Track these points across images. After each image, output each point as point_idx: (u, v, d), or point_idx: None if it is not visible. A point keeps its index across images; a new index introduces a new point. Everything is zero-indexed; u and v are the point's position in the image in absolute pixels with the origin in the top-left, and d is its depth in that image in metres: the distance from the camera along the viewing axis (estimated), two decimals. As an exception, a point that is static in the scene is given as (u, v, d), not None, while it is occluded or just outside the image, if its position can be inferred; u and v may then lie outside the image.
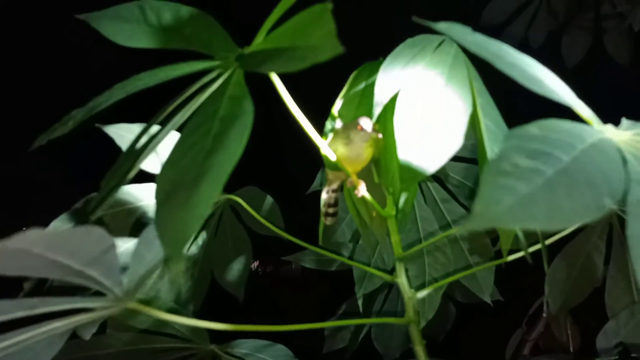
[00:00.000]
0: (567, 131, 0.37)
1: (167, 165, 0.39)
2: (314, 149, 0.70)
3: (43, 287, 0.57)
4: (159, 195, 0.36)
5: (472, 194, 0.91)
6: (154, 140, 0.49)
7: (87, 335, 0.49)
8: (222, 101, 0.43)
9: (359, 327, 1.10)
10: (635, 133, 0.45)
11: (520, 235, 0.56)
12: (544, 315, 1.53)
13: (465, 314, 1.27)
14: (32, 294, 0.50)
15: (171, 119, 0.50)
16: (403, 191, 0.56)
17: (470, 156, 0.90)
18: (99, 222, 0.70)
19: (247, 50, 0.50)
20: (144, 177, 0.73)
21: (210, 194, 0.33)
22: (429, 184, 0.90)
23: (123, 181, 0.45)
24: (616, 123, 0.46)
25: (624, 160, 0.39)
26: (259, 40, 0.49)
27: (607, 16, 1.96)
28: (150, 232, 0.43)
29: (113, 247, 0.36)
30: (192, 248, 0.82)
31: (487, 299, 0.93)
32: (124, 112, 0.73)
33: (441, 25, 0.38)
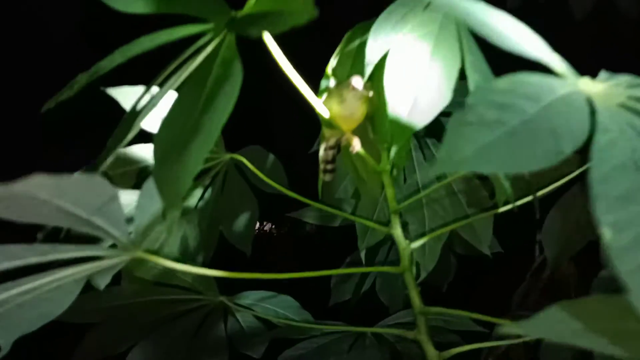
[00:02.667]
0: (536, 84, 0.39)
1: (162, 127, 0.42)
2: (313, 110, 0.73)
3: (55, 239, 0.61)
4: (156, 154, 0.39)
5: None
6: (152, 100, 0.52)
7: (102, 284, 0.53)
8: (215, 65, 0.45)
9: (362, 279, 1.14)
10: (609, 85, 0.47)
11: (506, 184, 0.59)
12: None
13: (469, 266, 1.30)
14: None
15: (168, 80, 0.53)
16: (394, 145, 0.58)
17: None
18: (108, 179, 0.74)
19: (239, 13, 0.52)
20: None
21: (201, 152, 0.36)
22: (428, 140, 0.92)
23: (126, 136, 0.48)
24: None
25: (593, 111, 0.41)
26: (251, 3, 0.51)
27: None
28: (150, 185, 0.46)
29: (116, 197, 0.39)
30: (200, 204, 0.86)
31: (486, 251, 0.96)
32: (125, 79, 0.76)
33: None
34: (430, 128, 0.93)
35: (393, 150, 0.59)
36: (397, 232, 0.67)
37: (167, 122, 0.42)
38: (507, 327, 0.30)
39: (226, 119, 0.38)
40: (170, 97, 0.55)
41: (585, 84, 0.45)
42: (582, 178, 0.87)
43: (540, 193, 0.81)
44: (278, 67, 0.61)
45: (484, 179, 0.94)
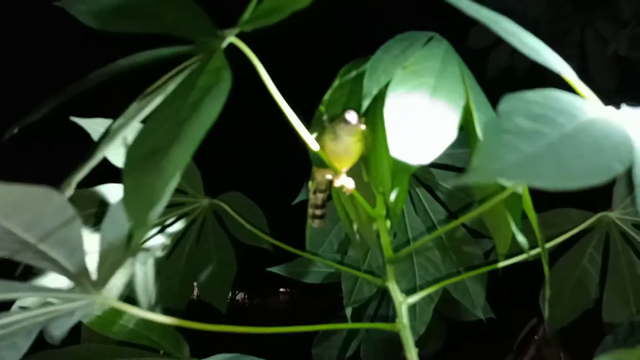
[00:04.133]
0: (568, 102, 0.35)
1: (139, 137, 0.36)
2: (300, 157, 0.68)
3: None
4: (127, 165, 0.33)
5: (462, 202, 0.88)
6: (122, 124, 0.46)
7: (57, 333, 0.45)
8: (202, 75, 0.40)
9: (347, 344, 1.06)
10: (636, 115, 0.43)
11: (518, 233, 0.54)
12: (535, 338, 1.50)
13: (455, 335, 1.23)
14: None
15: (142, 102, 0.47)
16: (395, 186, 0.53)
17: (461, 165, 0.88)
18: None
19: (234, 31, 0.48)
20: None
21: (181, 158, 0.30)
22: (419, 192, 0.87)
23: (87, 164, 0.42)
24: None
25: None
26: (245, 19, 0.47)
27: (592, 42, 1.97)
28: (116, 209, 0.39)
29: (75, 220, 0.33)
30: (174, 253, 0.79)
31: (480, 314, 0.90)
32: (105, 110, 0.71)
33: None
34: (422, 178, 0.89)
35: (393, 194, 0.54)
36: (393, 284, 0.60)
37: (143, 134, 0.36)
38: None
39: (210, 126, 0.33)
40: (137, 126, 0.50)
41: (612, 111, 0.41)
42: (583, 235, 0.82)
43: (534, 252, 0.75)
44: (264, 110, 0.57)
45: (479, 235, 0.89)
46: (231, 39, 0.49)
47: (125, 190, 0.31)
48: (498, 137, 0.27)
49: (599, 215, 0.77)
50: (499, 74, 2.03)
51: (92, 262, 0.44)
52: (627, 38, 1.88)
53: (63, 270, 0.38)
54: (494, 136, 0.27)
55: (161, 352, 0.75)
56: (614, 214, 0.77)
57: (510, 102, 0.31)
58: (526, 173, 0.26)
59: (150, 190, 0.29)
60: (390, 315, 1.05)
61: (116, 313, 0.67)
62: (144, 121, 0.46)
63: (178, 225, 0.77)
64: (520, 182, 0.26)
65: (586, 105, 0.36)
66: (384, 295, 1.06)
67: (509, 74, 2.07)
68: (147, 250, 0.74)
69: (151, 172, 0.30)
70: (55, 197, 0.30)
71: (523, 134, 0.28)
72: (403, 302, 0.59)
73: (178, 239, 0.79)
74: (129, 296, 0.75)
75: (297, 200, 0.92)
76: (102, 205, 0.69)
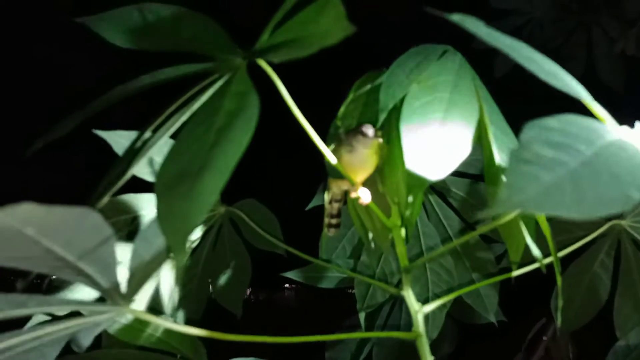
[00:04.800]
0: (586, 127, 0.36)
1: (168, 159, 0.37)
2: (313, 163, 0.69)
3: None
4: (159, 188, 0.34)
5: (473, 210, 0.89)
6: (150, 141, 0.47)
7: (84, 342, 0.46)
8: (226, 97, 0.41)
9: (360, 347, 1.07)
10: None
11: (533, 245, 0.55)
12: (544, 339, 1.51)
13: (464, 335, 1.24)
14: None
15: (169, 120, 0.48)
16: (410, 198, 0.54)
17: (473, 172, 0.89)
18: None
19: (253, 49, 0.49)
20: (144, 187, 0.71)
21: (215, 185, 0.32)
22: (432, 199, 0.89)
23: (118, 180, 0.43)
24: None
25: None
26: (264, 38, 0.48)
27: (599, 42, 1.97)
28: (148, 230, 0.41)
29: (111, 239, 0.34)
30: (192, 259, 0.80)
31: (492, 318, 0.91)
32: (125, 122, 0.72)
33: (455, 17, 0.37)
34: (435, 185, 0.90)
35: (409, 205, 0.55)
36: (409, 292, 0.61)
37: (172, 156, 0.37)
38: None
39: (243, 151, 0.34)
40: (170, 143, 0.51)
41: (627, 132, 0.42)
42: (594, 242, 0.83)
43: (547, 260, 0.76)
44: (281, 120, 0.58)
45: (491, 240, 0.90)
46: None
47: (160, 215, 0.32)
48: (520, 168, 0.28)
49: (610, 223, 0.78)
50: (505, 74, 2.03)
51: (120, 273, 0.45)
52: (634, 37, 1.89)
53: (95, 285, 0.39)
54: (517, 167, 0.28)
55: (178, 356, 0.77)
56: (625, 222, 0.78)
57: (531, 130, 0.32)
58: (547, 205, 0.27)
59: (185, 216, 0.31)
60: (402, 317, 1.06)
61: (140, 322, 0.68)
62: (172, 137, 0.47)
63: (196, 233, 0.79)
64: (542, 212, 0.27)
65: (603, 128, 0.37)
66: (397, 299, 1.07)
67: (515, 74, 2.08)
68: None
69: (184, 199, 0.31)
70: (93, 216, 0.32)
71: (543, 164, 0.29)
72: (419, 311, 0.60)
73: (196, 246, 0.80)
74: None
75: (310, 206, 0.93)
76: (126, 213, 0.70)
